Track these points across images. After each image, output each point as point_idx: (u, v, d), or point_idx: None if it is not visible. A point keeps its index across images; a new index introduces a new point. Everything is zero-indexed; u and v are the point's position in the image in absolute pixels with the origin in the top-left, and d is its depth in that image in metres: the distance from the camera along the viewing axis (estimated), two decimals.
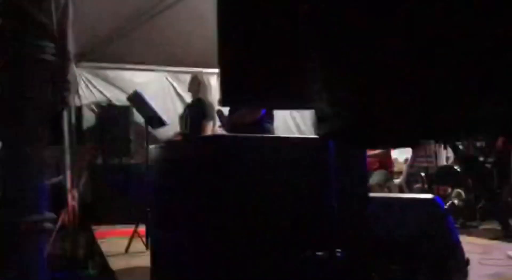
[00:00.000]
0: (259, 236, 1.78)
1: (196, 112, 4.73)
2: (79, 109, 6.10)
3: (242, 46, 1.15)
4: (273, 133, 3.68)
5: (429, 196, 2.58)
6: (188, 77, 6.73)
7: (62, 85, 5.24)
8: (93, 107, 6.30)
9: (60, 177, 5.77)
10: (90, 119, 6.34)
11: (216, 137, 2.70)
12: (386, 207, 2.24)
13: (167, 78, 6.67)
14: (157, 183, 2.52)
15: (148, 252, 3.57)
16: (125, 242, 3.98)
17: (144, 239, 3.86)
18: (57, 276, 4.69)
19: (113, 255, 3.71)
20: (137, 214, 5.29)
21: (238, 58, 1.15)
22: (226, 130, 3.94)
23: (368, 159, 5.13)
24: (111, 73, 6.30)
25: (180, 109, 6.76)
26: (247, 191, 1.79)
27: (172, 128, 6.60)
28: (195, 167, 1.95)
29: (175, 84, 6.72)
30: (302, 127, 6.95)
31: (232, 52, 1.16)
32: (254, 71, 1.14)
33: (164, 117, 6.01)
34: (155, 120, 4.10)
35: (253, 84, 1.16)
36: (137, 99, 4.13)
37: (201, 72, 5.30)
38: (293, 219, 1.83)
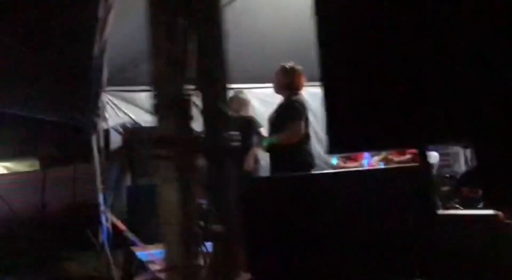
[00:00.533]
0: (352, 259, 1.82)
1: (242, 130, 4.82)
2: (106, 132, 6.30)
3: (355, 95, 1.15)
4: (311, 152, 3.74)
5: (492, 212, 2.48)
6: None
7: (94, 112, 5.47)
8: (119, 128, 6.50)
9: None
10: (117, 141, 6.55)
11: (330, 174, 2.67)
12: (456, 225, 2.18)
13: None
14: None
15: None
16: None
17: None
18: None
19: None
20: None
21: (350, 108, 1.15)
22: (265, 149, 4.00)
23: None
24: (134, 95, 6.50)
25: (201, 126, 6.87)
26: (342, 219, 1.83)
27: None
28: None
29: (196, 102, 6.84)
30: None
31: (343, 101, 1.16)
32: (367, 118, 1.13)
33: None
34: None
35: (366, 131, 1.16)
36: None
37: (241, 91, 5.40)
38: (380, 245, 1.84)
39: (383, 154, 5.50)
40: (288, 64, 3.89)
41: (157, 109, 1.54)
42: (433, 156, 6.45)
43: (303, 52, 6.19)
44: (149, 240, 5.44)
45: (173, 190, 1.47)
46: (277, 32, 6.13)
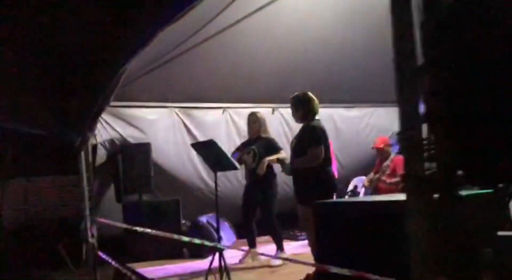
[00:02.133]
0: None
1: (262, 147, 4.99)
2: (94, 147, 6.27)
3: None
4: (332, 173, 3.92)
5: None
6: (198, 112, 7.03)
7: (90, 127, 5.45)
8: (106, 144, 6.47)
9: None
10: (104, 156, 6.52)
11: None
12: None
13: (177, 114, 6.88)
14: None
15: None
16: None
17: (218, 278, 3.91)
18: None
19: None
20: (171, 250, 5.50)
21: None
22: (287, 174, 4.17)
23: (387, 188, 5.40)
24: (123, 111, 6.49)
25: (188, 142, 6.98)
26: None
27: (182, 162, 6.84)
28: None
29: (185, 120, 6.93)
30: None
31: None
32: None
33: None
34: (223, 165, 4.21)
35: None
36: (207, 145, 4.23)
37: (256, 112, 5.54)
38: None
39: (370, 176, 5.78)
40: (297, 94, 4.08)
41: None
42: None
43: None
44: (142, 257, 5.47)
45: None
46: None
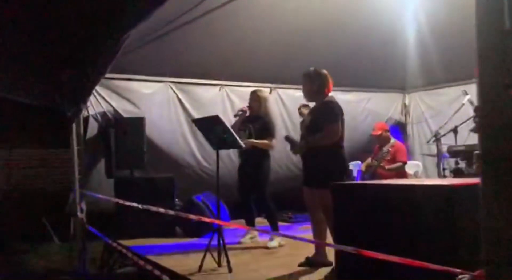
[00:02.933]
0: None
1: (259, 128, 4.87)
2: (85, 120, 6.07)
3: None
4: (345, 157, 3.79)
5: None
6: (194, 88, 6.86)
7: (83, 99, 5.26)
8: (98, 117, 6.27)
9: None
10: (95, 129, 6.33)
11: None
12: None
13: (172, 89, 6.70)
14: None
15: (221, 270, 3.66)
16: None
17: (216, 257, 3.79)
18: None
19: (189, 274, 3.60)
20: (163, 228, 5.38)
21: None
22: (297, 153, 3.97)
23: (387, 173, 5.35)
24: (118, 83, 6.29)
25: (182, 118, 6.83)
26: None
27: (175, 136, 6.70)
28: None
29: (180, 95, 6.76)
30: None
31: None
32: None
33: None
34: (227, 143, 4.06)
35: None
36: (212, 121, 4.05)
37: (261, 89, 5.36)
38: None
39: (368, 161, 5.72)
40: (311, 70, 3.90)
41: None
42: (415, 165, 6.79)
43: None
44: (133, 234, 5.34)
45: None
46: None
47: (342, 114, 3.75)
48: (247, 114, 4.91)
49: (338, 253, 2.14)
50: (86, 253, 5.60)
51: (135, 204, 4.15)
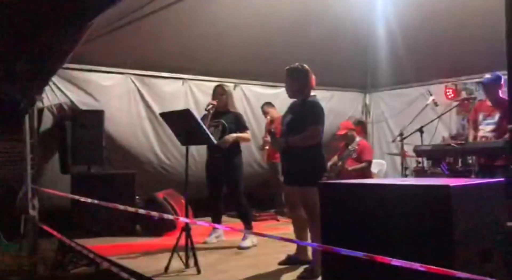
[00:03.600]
0: None
1: (232, 122, 4.71)
2: (40, 112, 5.73)
3: None
4: (324, 155, 3.71)
5: None
6: (156, 81, 6.62)
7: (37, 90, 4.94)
8: (54, 109, 5.94)
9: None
10: (49, 122, 5.99)
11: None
12: None
13: (133, 82, 6.44)
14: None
15: (189, 271, 3.49)
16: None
17: (183, 257, 3.62)
18: None
19: (155, 276, 3.41)
20: (123, 226, 5.14)
21: None
22: (276, 149, 3.85)
23: (351, 173, 5.35)
24: (76, 74, 5.96)
25: (143, 112, 6.59)
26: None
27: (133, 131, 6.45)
28: None
29: (141, 88, 6.51)
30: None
31: None
32: None
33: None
34: (197, 138, 3.88)
35: None
36: (181, 115, 3.88)
37: (224, 84, 5.18)
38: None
39: (334, 160, 5.70)
40: (295, 66, 3.78)
41: None
42: (380, 164, 6.84)
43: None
44: (91, 232, 5.08)
45: None
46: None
47: (324, 116, 3.69)
48: (213, 109, 4.75)
49: (324, 253, 2.05)
50: (38, 252, 5.31)
51: (94, 201, 3.92)
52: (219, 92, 4.82)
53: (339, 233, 1.98)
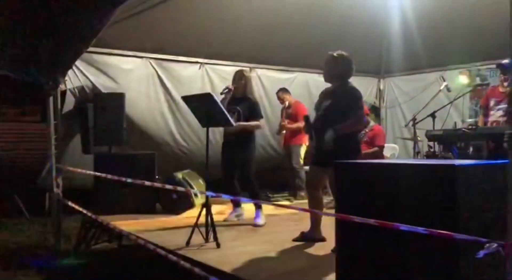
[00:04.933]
0: None
1: (247, 110, 4.84)
2: (63, 93, 5.93)
3: None
4: (358, 138, 3.93)
5: None
6: (173, 65, 6.79)
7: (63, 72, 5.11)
8: (76, 91, 6.14)
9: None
10: (71, 104, 6.20)
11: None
12: None
13: (152, 65, 6.61)
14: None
15: (208, 245, 3.70)
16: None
17: (203, 232, 3.82)
18: (36, 264, 4.64)
19: (177, 249, 3.61)
20: (143, 204, 5.36)
21: None
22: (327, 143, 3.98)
23: (364, 157, 5.47)
24: (97, 58, 6.15)
25: (162, 95, 6.77)
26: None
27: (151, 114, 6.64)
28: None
29: (159, 72, 6.68)
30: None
31: None
32: None
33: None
34: (216, 120, 4.06)
35: None
36: (202, 98, 4.06)
37: (245, 69, 5.31)
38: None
39: None
40: (338, 53, 3.89)
41: None
42: (393, 148, 6.96)
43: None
44: (112, 210, 5.30)
45: None
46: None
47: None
48: (231, 94, 4.89)
49: (339, 223, 2.21)
50: (62, 229, 5.55)
51: (117, 178, 4.12)
52: (238, 77, 4.96)
53: (353, 208, 2.13)
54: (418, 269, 1.87)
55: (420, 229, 1.50)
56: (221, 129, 6.65)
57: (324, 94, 3.96)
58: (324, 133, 3.67)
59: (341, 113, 3.66)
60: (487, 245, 1.26)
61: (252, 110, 4.87)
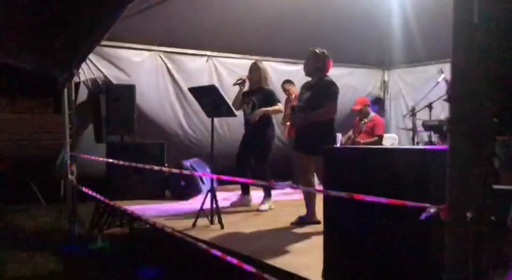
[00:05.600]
0: None
1: (262, 99, 5.09)
2: (76, 85, 6.19)
3: None
4: (335, 129, 4.20)
5: None
6: (182, 58, 7.03)
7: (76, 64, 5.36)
8: (89, 83, 6.41)
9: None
10: (84, 95, 6.47)
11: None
12: None
13: (162, 58, 6.85)
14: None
15: (213, 227, 4.00)
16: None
17: (209, 215, 4.09)
18: (67, 250, 4.90)
19: (184, 230, 3.88)
20: (153, 191, 5.64)
21: None
22: (294, 122, 4.32)
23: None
24: (108, 51, 6.40)
25: (171, 87, 7.03)
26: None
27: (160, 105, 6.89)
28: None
29: (168, 64, 6.92)
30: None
31: None
32: None
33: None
34: (221, 111, 4.30)
35: None
36: (208, 90, 4.33)
37: (259, 60, 5.54)
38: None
39: (349, 134, 6.05)
40: (319, 49, 4.21)
41: None
42: (392, 138, 7.16)
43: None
44: (124, 197, 5.58)
45: None
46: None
47: (339, 92, 4.10)
48: (246, 85, 5.12)
49: (327, 211, 2.45)
50: (76, 215, 5.83)
51: (129, 164, 4.38)
52: (254, 68, 5.20)
53: (338, 188, 2.35)
54: (397, 239, 2.10)
55: (382, 200, 1.73)
56: (229, 120, 6.95)
57: (305, 87, 4.25)
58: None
59: (319, 104, 3.93)
60: (428, 209, 1.48)
61: (269, 98, 5.10)
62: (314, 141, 3.88)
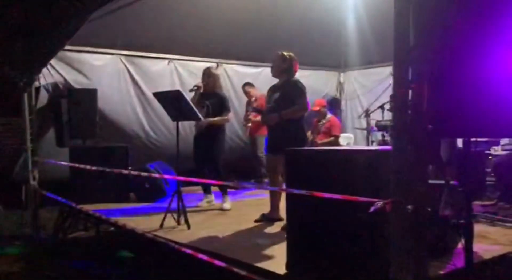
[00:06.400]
0: None
1: (216, 104, 5.23)
2: (37, 90, 6.16)
3: None
4: (304, 128, 4.40)
5: None
6: (143, 61, 7.09)
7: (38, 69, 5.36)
8: (49, 87, 6.39)
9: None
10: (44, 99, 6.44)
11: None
12: None
13: (123, 62, 6.90)
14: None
15: (180, 227, 4.12)
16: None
17: (175, 216, 4.21)
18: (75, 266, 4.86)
19: (152, 231, 3.97)
20: (117, 194, 5.68)
21: None
22: (266, 123, 4.48)
23: (321, 146, 5.96)
24: (69, 55, 6.40)
25: (132, 90, 7.08)
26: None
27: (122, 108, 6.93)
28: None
29: (130, 68, 6.98)
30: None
31: None
32: None
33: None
34: (186, 115, 4.46)
35: None
36: (172, 95, 4.45)
37: (213, 66, 5.64)
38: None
39: (308, 134, 6.31)
40: (285, 52, 4.40)
41: None
42: (348, 137, 7.49)
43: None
44: (89, 198, 5.60)
45: None
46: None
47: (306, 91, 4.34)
48: (201, 90, 5.27)
49: (289, 208, 2.67)
50: (39, 220, 5.79)
51: (99, 168, 4.45)
52: (207, 74, 5.35)
53: (299, 186, 2.57)
54: (352, 231, 2.33)
55: (337, 196, 1.96)
56: (190, 122, 7.05)
57: (273, 89, 4.47)
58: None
59: (290, 103, 4.15)
60: (376, 203, 1.72)
61: (221, 105, 5.27)
62: (284, 142, 3.99)
